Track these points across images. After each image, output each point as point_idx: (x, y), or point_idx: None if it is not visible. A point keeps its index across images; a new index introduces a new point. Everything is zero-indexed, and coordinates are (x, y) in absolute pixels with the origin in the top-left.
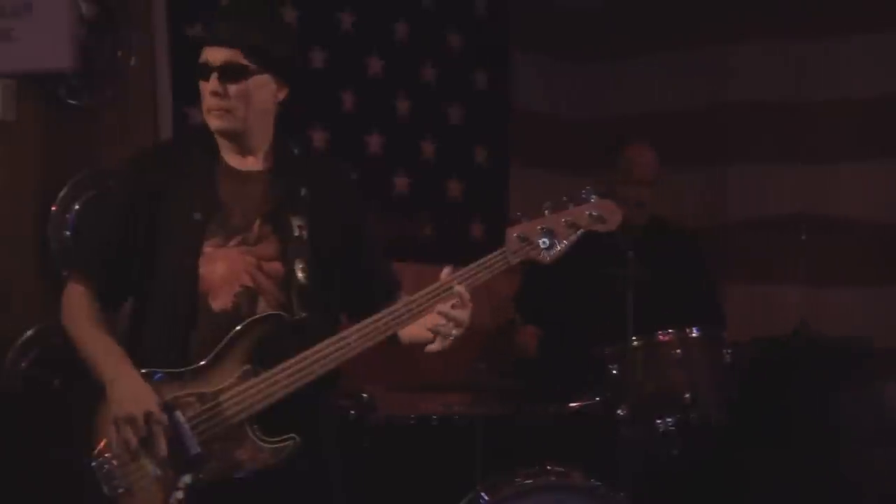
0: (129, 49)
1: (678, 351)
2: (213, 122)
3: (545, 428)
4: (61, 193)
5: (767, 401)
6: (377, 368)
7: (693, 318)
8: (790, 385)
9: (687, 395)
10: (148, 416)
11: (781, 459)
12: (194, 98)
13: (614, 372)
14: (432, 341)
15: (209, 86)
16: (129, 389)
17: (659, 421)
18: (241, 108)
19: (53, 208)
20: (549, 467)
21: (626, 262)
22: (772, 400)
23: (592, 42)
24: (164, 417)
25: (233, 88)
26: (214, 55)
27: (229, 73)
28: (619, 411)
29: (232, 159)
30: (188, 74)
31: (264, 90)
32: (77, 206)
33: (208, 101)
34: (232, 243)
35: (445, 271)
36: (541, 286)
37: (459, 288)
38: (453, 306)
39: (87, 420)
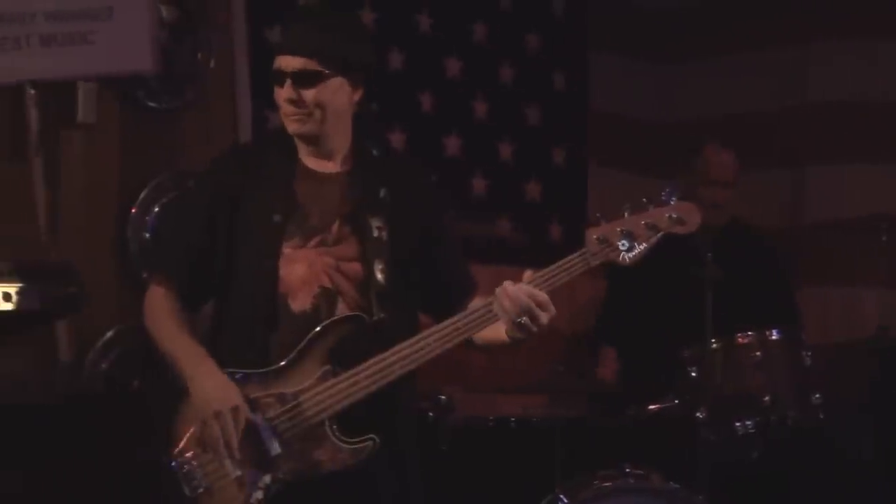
0: (209, 51)
1: (758, 353)
2: (291, 127)
3: (624, 430)
4: (141, 195)
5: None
6: (456, 370)
7: (772, 320)
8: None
9: (766, 398)
10: (235, 411)
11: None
12: (274, 100)
13: (693, 374)
14: (506, 343)
15: (284, 92)
16: (214, 385)
17: (738, 423)
18: (317, 113)
19: (133, 210)
20: (627, 470)
21: (705, 263)
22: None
23: (670, 42)
24: (248, 411)
25: (308, 94)
26: (287, 62)
27: (303, 79)
28: (698, 414)
29: (311, 161)
30: (268, 77)
31: (339, 93)
32: (157, 209)
33: (285, 107)
34: (311, 244)
35: (527, 274)
36: (625, 290)
37: (529, 290)
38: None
39: (167, 420)
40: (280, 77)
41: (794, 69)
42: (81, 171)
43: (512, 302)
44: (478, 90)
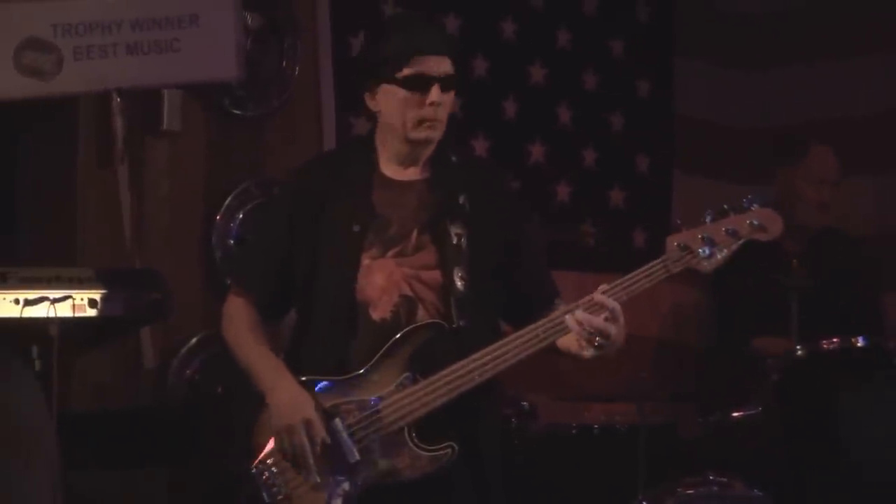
0: (294, 59)
1: None
2: (425, 133)
3: (707, 437)
4: (226, 203)
5: None
6: (540, 378)
7: (858, 328)
8: None
9: None
10: (307, 425)
11: None
12: (358, 107)
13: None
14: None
15: (432, 96)
16: (288, 398)
17: None
18: (446, 118)
19: (218, 218)
20: (711, 477)
21: (790, 269)
22: None
23: (757, 48)
24: (322, 425)
25: (447, 98)
26: (435, 65)
27: (448, 82)
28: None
29: (390, 170)
30: (352, 84)
31: (454, 97)
32: (241, 216)
33: (425, 111)
34: (390, 254)
35: (602, 288)
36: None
37: (602, 298)
38: (605, 319)
39: (247, 427)
40: (424, 81)
41: (883, 74)
42: (166, 179)
43: (583, 326)
44: (562, 97)
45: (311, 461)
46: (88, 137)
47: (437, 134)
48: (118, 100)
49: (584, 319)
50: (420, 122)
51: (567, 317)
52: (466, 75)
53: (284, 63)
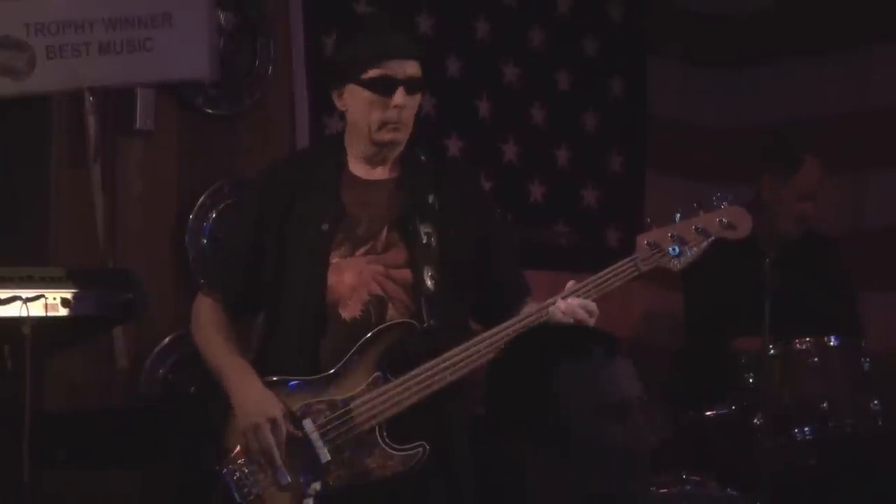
0: (267, 58)
1: (815, 359)
2: (389, 136)
3: (680, 436)
4: (199, 202)
5: None
6: None
7: (831, 327)
8: None
9: (824, 405)
10: (273, 423)
11: None
12: (331, 107)
13: (750, 380)
14: None
15: (396, 99)
16: (253, 398)
17: (796, 430)
18: (411, 120)
19: (191, 217)
20: (684, 476)
21: (764, 269)
22: None
23: (730, 47)
24: (288, 424)
25: (412, 101)
26: (399, 68)
27: (413, 85)
28: (755, 420)
29: (360, 169)
30: (324, 83)
31: (419, 100)
32: (214, 215)
33: (388, 114)
34: (359, 252)
35: (570, 284)
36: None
37: (578, 301)
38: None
39: (219, 427)
40: (388, 84)
41: (856, 73)
42: (139, 178)
43: (566, 316)
44: (535, 96)
45: (279, 460)
46: (61, 137)
47: (401, 136)
48: (91, 99)
49: (569, 310)
50: (383, 125)
51: (560, 302)
52: (439, 75)
53: (257, 62)
